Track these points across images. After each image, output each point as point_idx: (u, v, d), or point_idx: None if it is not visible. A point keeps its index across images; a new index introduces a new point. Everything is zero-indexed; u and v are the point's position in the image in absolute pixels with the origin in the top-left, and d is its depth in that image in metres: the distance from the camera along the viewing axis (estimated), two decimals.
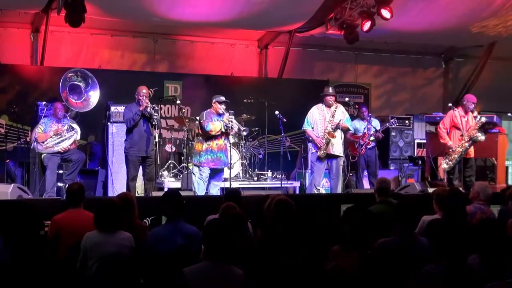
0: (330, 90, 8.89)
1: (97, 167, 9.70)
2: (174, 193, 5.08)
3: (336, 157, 8.66)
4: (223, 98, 8.19)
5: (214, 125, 8.03)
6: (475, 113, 8.85)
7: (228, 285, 3.67)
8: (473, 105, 8.91)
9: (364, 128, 9.80)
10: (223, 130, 8.12)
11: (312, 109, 8.83)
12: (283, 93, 11.62)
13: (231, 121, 8.19)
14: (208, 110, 8.21)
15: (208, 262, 3.73)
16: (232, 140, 9.27)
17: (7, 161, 9.41)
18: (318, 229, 5.56)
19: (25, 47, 10.90)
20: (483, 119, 8.87)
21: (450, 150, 8.82)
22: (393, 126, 10.70)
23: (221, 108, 8.14)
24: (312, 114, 8.77)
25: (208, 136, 8.08)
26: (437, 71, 13.99)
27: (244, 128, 8.41)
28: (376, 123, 9.98)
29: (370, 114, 10.05)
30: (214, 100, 8.21)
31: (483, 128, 9.00)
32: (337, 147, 8.65)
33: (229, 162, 8.33)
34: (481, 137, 8.76)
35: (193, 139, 9.00)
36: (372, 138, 9.68)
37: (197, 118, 8.48)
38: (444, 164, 8.94)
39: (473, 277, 3.50)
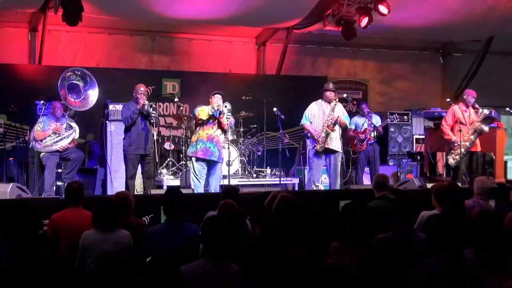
0: (330, 85, 8.89)
1: (96, 166, 9.70)
2: (175, 192, 5.02)
3: (334, 152, 8.61)
4: (216, 92, 8.05)
5: (201, 108, 7.89)
6: (477, 107, 8.93)
7: (226, 282, 3.67)
8: (473, 99, 8.98)
9: (363, 124, 9.79)
10: (211, 113, 7.84)
11: (311, 104, 8.82)
12: (281, 90, 11.63)
13: (220, 104, 7.85)
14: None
15: (206, 260, 3.74)
16: (230, 137, 9.28)
17: (10, 159, 9.43)
18: (317, 225, 5.57)
19: (23, 46, 10.89)
20: (486, 111, 8.96)
21: (456, 144, 8.84)
22: (394, 122, 10.70)
23: (216, 100, 7.89)
24: (311, 109, 8.77)
25: (199, 124, 7.94)
26: (435, 66, 13.98)
27: (225, 104, 7.93)
28: (376, 119, 9.97)
29: (369, 110, 10.02)
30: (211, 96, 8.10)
31: (487, 120, 9.08)
32: (335, 142, 8.61)
33: (221, 156, 8.07)
34: (486, 128, 8.87)
35: (191, 136, 8.96)
36: (372, 134, 9.62)
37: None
38: (450, 159, 8.94)
39: (471, 271, 3.51)
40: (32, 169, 8.68)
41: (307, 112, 8.79)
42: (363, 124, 9.82)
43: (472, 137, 8.87)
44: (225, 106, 7.93)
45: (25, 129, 9.77)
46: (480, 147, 9.09)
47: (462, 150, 8.79)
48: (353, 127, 9.98)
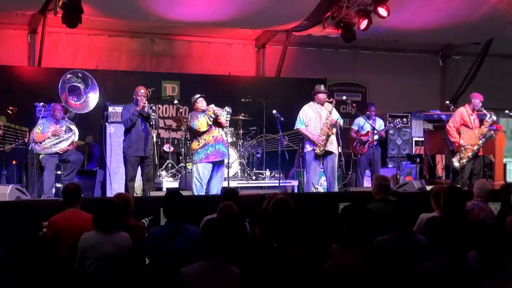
0: (322, 87, 8.77)
1: (95, 168, 9.70)
2: (175, 194, 5.01)
3: (330, 153, 8.54)
4: (198, 95, 8.13)
5: (199, 121, 7.89)
6: (484, 111, 8.93)
7: (226, 284, 3.68)
8: (480, 103, 8.97)
9: (364, 126, 9.76)
10: (210, 122, 7.95)
11: (304, 107, 8.65)
12: (280, 92, 11.61)
13: (214, 109, 7.97)
14: (193, 111, 8.15)
15: (205, 262, 3.74)
16: (230, 140, 9.28)
17: (14, 162, 9.43)
18: (316, 227, 5.57)
19: (22, 48, 10.89)
20: (494, 117, 8.96)
21: (462, 148, 8.80)
22: (397, 126, 10.63)
23: (202, 104, 8.03)
24: (305, 112, 8.60)
25: (200, 133, 7.98)
26: (434, 69, 13.98)
27: (225, 108, 8.11)
28: (380, 123, 9.95)
29: (370, 114, 9.99)
30: (192, 102, 8.15)
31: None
32: (333, 144, 8.58)
33: (227, 153, 8.21)
34: (494, 134, 8.91)
35: (190, 139, 8.96)
36: (376, 137, 9.59)
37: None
38: (455, 163, 8.87)
39: (471, 274, 3.51)
40: (32, 171, 8.67)
41: (301, 116, 8.61)
42: (364, 126, 9.80)
43: (480, 142, 8.86)
44: (225, 110, 8.03)
45: (24, 131, 9.78)
46: (481, 151, 9.08)
47: (469, 154, 8.76)
48: (356, 127, 9.94)
